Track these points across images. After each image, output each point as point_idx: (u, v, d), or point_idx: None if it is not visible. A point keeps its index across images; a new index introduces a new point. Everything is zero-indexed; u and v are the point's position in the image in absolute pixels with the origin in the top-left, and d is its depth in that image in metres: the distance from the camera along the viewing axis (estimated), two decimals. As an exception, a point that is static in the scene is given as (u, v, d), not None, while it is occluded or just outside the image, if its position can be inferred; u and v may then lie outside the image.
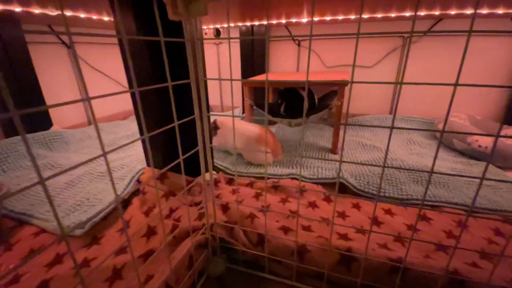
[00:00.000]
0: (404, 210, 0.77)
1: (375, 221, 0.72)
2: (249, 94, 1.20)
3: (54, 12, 0.95)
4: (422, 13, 1.21)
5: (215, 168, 1.03)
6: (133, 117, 1.76)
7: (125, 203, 0.79)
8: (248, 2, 0.94)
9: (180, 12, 0.37)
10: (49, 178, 0.25)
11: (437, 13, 1.20)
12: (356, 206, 0.79)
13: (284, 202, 0.80)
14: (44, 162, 1.09)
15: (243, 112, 1.58)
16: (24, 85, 1.15)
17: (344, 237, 0.65)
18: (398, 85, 1.59)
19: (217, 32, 1.75)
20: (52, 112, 1.31)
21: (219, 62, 1.89)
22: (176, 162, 0.46)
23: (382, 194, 0.84)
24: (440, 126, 1.33)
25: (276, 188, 0.87)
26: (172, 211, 0.75)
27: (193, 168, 0.87)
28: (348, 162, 0.44)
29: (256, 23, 1.46)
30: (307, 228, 0.68)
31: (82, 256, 0.62)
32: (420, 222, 0.71)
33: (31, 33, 1.18)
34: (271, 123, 1.64)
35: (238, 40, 1.71)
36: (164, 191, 0.81)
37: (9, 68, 1.09)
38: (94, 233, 0.70)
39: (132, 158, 1.12)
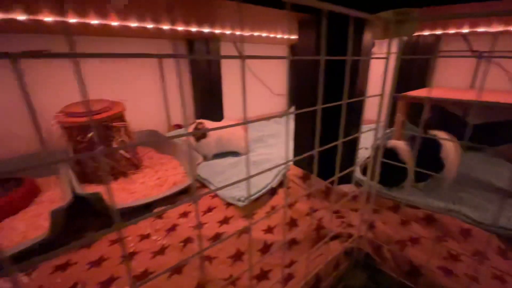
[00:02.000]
0: None
1: None
2: (404, 109, 1.10)
3: (248, 33, 1.23)
4: None
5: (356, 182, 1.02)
6: (276, 119, 1.99)
7: (272, 191, 0.93)
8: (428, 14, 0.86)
9: (390, 33, 0.40)
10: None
11: None
12: (560, 281, 0.57)
13: (439, 240, 0.69)
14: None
15: (390, 127, 1.45)
16: (213, 88, 1.56)
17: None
18: None
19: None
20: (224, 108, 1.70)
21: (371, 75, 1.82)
22: (339, 175, 0.49)
23: None
24: None
25: (429, 221, 0.76)
26: (312, 210, 0.81)
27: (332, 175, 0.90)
28: None
29: (426, 33, 1.31)
30: (474, 279, 0.56)
31: (241, 224, 0.78)
32: None
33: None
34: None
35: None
36: (305, 191, 0.88)
37: (208, 75, 1.51)
38: (249, 208, 0.86)
39: (275, 155, 1.28)
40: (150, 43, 1.37)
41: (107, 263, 0.65)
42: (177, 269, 0.62)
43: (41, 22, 0.74)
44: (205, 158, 1.22)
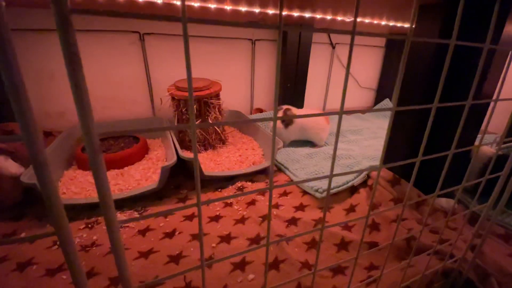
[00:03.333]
0: None
1: None
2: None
3: (349, 19, 1.16)
4: None
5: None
6: (357, 115, 1.86)
7: (353, 190, 0.89)
8: None
9: None
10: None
11: None
12: None
13: None
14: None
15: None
16: (298, 76, 1.55)
17: None
18: None
19: None
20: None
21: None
22: (443, 191, 0.41)
23: None
24: None
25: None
26: (400, 218, 0.74)
27: (427, 185, 0.79)
28: None
29: None
30: None
31: (318, 215, 0.78)
32: None
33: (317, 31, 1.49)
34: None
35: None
36: (392, 196, 0.81)
37: (296, 61, 1.50)
38: (326, 201, 0.84)
39: (357, 152, 1.21)
40: (244, 28, 1.44)
41: (197, 220, 0.75)
42: (256, 241, 0.67)
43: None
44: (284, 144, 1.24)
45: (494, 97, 0.35)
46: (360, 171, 0.31)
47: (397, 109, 0.27)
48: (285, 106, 1.22)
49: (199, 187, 0.21)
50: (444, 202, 0.80)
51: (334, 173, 0.29)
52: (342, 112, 0.25)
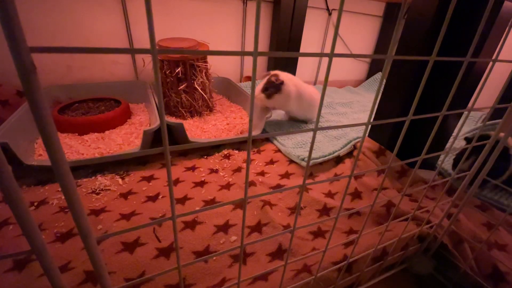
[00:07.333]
0: None
1: None
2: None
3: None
4: None
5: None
6: (349, 88, 1.83)
7: (338, 160, 0.89)
8: None
9: None
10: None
11: None
12: None
13: (534, 255, 0.58)
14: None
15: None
16: (292, 43, 1.48)
17: None
18: None
19: None
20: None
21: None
22: (424, 156, 0.42)
23: None
24: None
25: (524, 231, 0.64)
26: (382, 187, 0.75)
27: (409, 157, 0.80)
28: None
29: None
30: None
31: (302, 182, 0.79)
32: None
33: None
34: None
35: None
36: (376, 166, 0.82)
37: (290, 26, 1.42)
38: (311, 170, 0.85)
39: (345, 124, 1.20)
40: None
41: (182, 185, 0.74)
42: (240, 205, 0.67)
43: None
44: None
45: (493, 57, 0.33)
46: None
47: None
48: (272, 72, 1.03)
49: (168, 154, 0.19)
50: (427, 174, 0.82)
51: (320, 144, 0.29)
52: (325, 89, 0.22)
